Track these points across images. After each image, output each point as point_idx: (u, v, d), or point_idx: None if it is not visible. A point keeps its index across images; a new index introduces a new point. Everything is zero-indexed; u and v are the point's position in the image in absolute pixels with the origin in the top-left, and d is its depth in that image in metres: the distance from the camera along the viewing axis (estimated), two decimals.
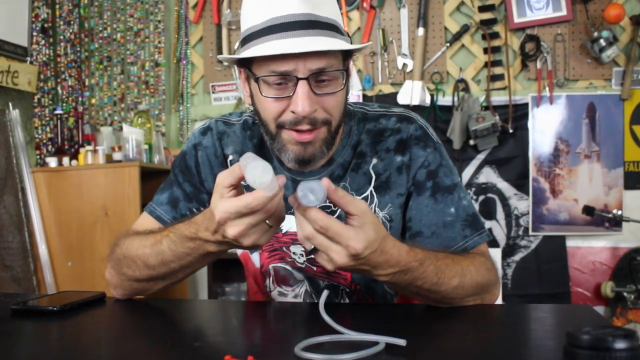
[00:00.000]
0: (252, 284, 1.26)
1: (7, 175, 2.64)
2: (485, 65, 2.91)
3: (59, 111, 2.95)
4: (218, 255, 0.97)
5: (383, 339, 0.72)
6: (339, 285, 1.15)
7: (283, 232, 1.15)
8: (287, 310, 1.09)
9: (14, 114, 2.72)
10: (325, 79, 0.98)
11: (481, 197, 2.92)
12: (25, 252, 2.66)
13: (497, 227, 2.91)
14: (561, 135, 2.87)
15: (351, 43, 1.02)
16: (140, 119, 3.01)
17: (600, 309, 2.80)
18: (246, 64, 1.02)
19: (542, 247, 2.89)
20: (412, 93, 2.89)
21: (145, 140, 2.90)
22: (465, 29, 2.91)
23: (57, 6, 3.12)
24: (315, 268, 1.14)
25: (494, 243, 2.88)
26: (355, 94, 2.99)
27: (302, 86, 0.95)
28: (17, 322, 0.95)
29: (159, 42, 3.19)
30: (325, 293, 0.83)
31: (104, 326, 0.99)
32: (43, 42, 2.97)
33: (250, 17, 0.99)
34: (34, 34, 2.92)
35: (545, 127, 2.88)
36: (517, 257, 2.90)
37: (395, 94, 2.93)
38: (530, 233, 2.89)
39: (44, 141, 2.98)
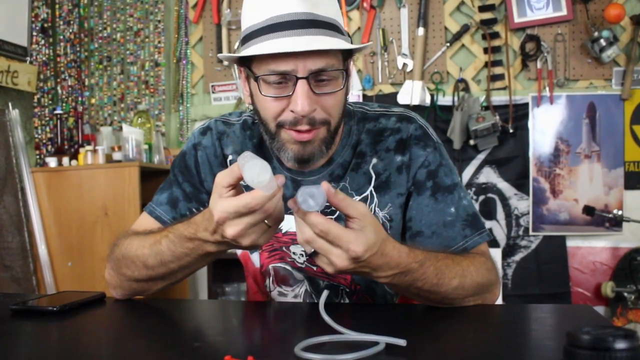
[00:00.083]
0: (251, 284, 1.26)
1: (6, 175, 2.64)
2: (486, 65, 2.91)
3: (58, 111, 2.95)
4: (217, 256, 0.97)
5: (383, 339, 0.72)
6: (339, 285, 1.15)
7: (283, 232, 1.14)
8: (287, 310, 1.09)
9: (14, 113, 2.72)
10: (324, 78, 0.98)
11: (481, 197, 2.92)
12: (25, 252, 2.66)
13: (497, 227, 2.91)
14: (561, 135, 2.87)
15: (351, 43, 1.02)
16: (140, 119, 3.01)
17: (600, 309, 2.80)
18: (246, 63, 1.02)
19: (543, 247, 2.89)
20: (412, 93, 2.89)
21: (145, 140, 2.90)
22: (465, 28, 2.91)
23: (57, 6, 3.12)
24: (315, 268, 1.14)
25: (494, 243, 2.88)
26: (355, 94, 2.98)
27: (302, 86, 0.95)
28: (17, 322, 0.95)
29: (159, 42, 3.19)
30: (325, 293, 0.83)
31: (103, 326, 0.99)
32: (43, 42, 2.97)
33: (251, 16, 0.99)
34: (34, 33, 2.92)
35: (545, 127, 2.88)
36: (518, 257, 2.90)
37: (395, 94, 2.93)
38: (531, 233, 2.89)
39: (44, 141, 2.98)
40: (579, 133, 2.86)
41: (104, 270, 1.13)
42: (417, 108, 2.85)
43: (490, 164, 2.91)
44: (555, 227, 2.88)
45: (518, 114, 2.89)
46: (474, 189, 2.92)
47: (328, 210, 1.06)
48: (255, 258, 1.21)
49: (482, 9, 2.90)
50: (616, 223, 2.80)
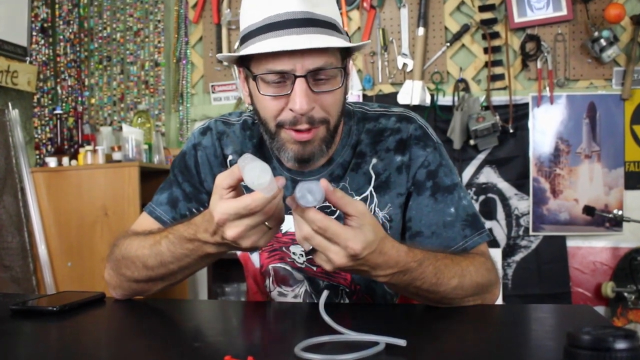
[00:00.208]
0: (251, 284, 1.26)
1: (6, 175, 2.64)
2: (486, 65, 2.91)
3: (58, 111, 2.94)
4: (217, 257, 0.97)
5: (383, 339, 0.72)
6: (339, 285, 1.15)
7: (283, 232, 1.14)
8: (287, 311, 1.08)
9: (14, 113, 2.71)
10: (323, 77, 0.98)
11: (481, 197, 2.92)
12: (24, 252, 2.66)
13: (498, 227, 2.91)
14: (562, 135, 2.87)
15: (350, 42, 1.02)
16: (139, 119, 3.01)
17: (600, 309, 2.80)
18: (245, 63, 1.02)
19: (543, 247, 2.89)
20: (412, 93, 2.89)
21: (145, 140, 2.90)
22: (465, 28, 2.91)
23: (57, 6, 3.12)
24: (315, 268, 1.14)
25: (494, 243, 2.88)
26: (355, 94, 2.98)
27: (300, 84, 0.95)
28: (17, 322, 0.95)
29: (159, 42, 3.19)
30: (325, 293, 0.83)
31: (103, 326, 0.99)
32: (42, 41, 2.97)
33: (249, 16, 0.99)
34: (34, 33, 2.91)
35: (545, 127, 2.88)
36: (518, 257, 2.90)
37: (395, 94, 2.93)
38: (531, 233, 2.89)
39: (44, 141, 2.98)
40: (579, 133, 2.86)
41: (104, 270, 1.13)
42: (417, 108, 2.85)
43: (490, 164, 2.91)
44: (555, 227, 2.87)
45: (518, 114, 2.89)
46: (474, 189, 2.92)
47: (328, 210, 1.06)
48: (255, 258, 1.21)
49: (482, 8, 2.90)
50: (616, 223, 2.80)
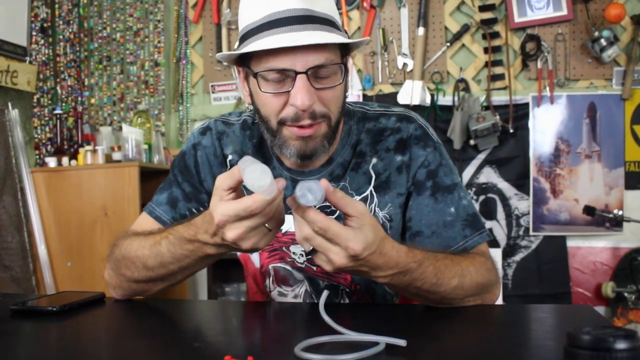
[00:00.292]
0: (251, 284, 1.26)
1: (6, 175, 2.63)
2: (486, 65, 2.91)
3: (58, 111, 2.94)
4: (217, 258, 0.97)
5: (383, 340, 0.72)
6: (339, 285, 1.15)
7: (283, 232, 1.14)
8: (287, 311, 1.08)
9: (13, 113, 2.71)
10: (323, 73, 0.98)
11: (481, 197, 2.92)
12: (24, 252, 2.66)
13: (498, 227, 2.91)
14: (562, 135, 2.87)
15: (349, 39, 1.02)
16: (139, 119, 3.01)
17: (600, 309, 2.80)
18: (245, 62, 1.02)
19: (543, 247, 2.88)
20: (412, 93, 2.89)
21: (145, 140, 2.90)
22: (465, 28, 2.91)
23: (57, 6, 3.12)
24: (315, 268, 1.14)
25: (494, 243, 2.88)
26: (355, 94, 2.98)
27: (301, 80, 0.96)
28: (17, 322, 0.95)
29: (159, 42, 3.19)
30: (325, 293, 0.83)
31: (103, 326, 0.99)
32: (42, 41, 2.97)
33: (248, 15, 0.99)
34: (33, 33, 2.91)
35: (545, 127, 2.88)
36: (518, 257, 2.90)
37: (395, 94, 2.93)
38: (531, 233, 2.89)
39: (43, 141, 2.97)
40: (580, 133, 2.86)
41: (104, 270, 1.13)
42: (417, 108, 2.85)
43: (490, 164, 2.91)
44: (555, 227, 2.87)
45: (518, 114, 2.89)
46: (474, 189, 2.92)
47: (328, 210, 1.06)
48: (255, 258, 1.21)
49: (482, 8, 2.90)
50: (616, 223, 2.80)
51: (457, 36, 2.92)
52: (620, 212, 2.64)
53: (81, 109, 3.19)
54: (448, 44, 2.92)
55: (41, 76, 2.96)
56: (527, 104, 2.88)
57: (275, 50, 0.94)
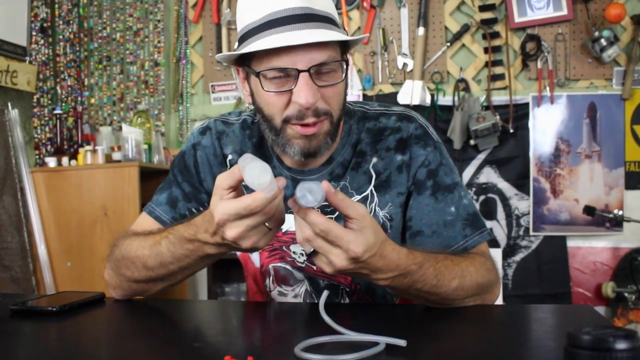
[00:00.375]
0: (251, 284, 1.26)
1: (6, 176, 2.63)
2: (486, 64, 2.91)
3: (58, 111, 2.94)
4: (217, 257, 0.97)
5: (383, 340, 0.72)
6: (339, 284, 1.15)
7: (283, 231, 1.14)
8: (287, 311, 1.08)
9: (13, 113, 2.71)
10: (325, 71, 0.98)
11: (482, 197, 2.92)
12: (24, 252, 2.66)
13: (498, 227, 2.91)
14: (562, 135, 2.87)
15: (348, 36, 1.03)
16: (139, 119, 3.00)
17: (601, 310, 2.80)
18: (245, 62, 1.02)
19: (543, 247, 2.88)
20: (412, 93, 2.88)
21: (145, 140, 2.89)
22: (465, 28, 2.91)
23: (57, 6, 3.12)
24: (315, 267, 1.14)
25: (494, 243, 2.88)
26: (355, 94, 2.98)
27: (304, 78, 0.96)
28: (17, 322, 0.95)
29: (159, 42, 3.18)
30: (325, 293, 0.83)
31: (103, 326, 0.99)
32: (42, 41, 2.96)
33: (247, 16, 0.99)
34: (33, 33, 2.91)
35: (545, 127, 2.88)
36: (518, 257, 2.90)
37: (395, 94, 2.93)
38: (531, 233, 2.89)
39: (43, 141, 2.97)
40: (580, 133, 2.86)
41: (104, 270, 1.13)
42: (417, 108, 2.85)
43: (490, 164, 2.91)
44: (555, 227, 2.87)
45: (518, 114, 2.89)
46: (474, 189, 2.92)
47: (328, 209, 1.06)
48: (255, 258, 1.21)
49: (483, 8, 2.90)
50: (617, 223, 2.80)
51: (457, 36, 2.92)
52: (621, 212, 2.64)
53: (81, 109, 3.19)
54: (448, 43, 2.92)
55: (41, 76, 2.96)
56: (527, 104, 2.88)
57: (277, 49, 0.94)
